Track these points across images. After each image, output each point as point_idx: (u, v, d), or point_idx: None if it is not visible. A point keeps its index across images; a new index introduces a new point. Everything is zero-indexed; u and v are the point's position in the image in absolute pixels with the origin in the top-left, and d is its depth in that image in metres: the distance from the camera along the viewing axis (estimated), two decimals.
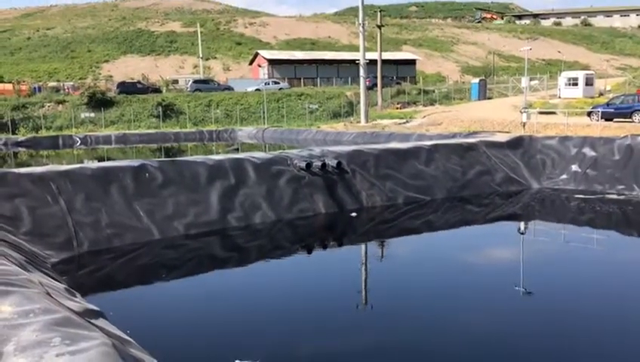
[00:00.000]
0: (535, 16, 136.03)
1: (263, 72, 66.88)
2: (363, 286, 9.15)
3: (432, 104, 49.07)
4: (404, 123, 36.46)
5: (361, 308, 8.00)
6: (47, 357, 2.86)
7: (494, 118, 30.72)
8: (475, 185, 16.19)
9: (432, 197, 15.22)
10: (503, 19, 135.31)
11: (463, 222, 14.33)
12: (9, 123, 44.43)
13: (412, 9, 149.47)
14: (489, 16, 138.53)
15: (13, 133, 43.34)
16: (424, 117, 38.08)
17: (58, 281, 6.69)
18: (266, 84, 56.46)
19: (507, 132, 23.14)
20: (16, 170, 10.95)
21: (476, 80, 52.11)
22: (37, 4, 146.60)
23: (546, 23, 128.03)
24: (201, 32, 75.20)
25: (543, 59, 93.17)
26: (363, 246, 12.22)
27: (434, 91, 54.37)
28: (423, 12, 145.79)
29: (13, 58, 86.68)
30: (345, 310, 7.86)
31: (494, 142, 17.68)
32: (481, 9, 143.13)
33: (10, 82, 57.80)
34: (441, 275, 9.56)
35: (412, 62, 72.27)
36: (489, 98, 47.96)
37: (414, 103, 50.03)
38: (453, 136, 22.11)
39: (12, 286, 3.98)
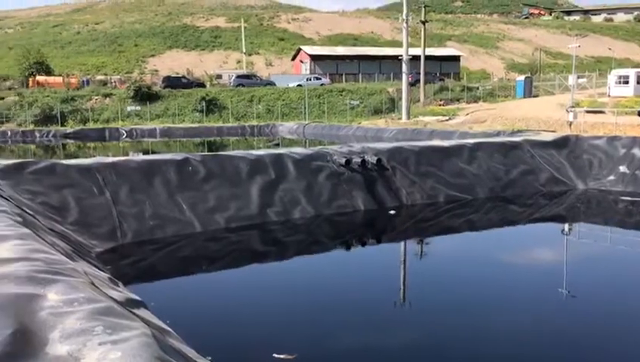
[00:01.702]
0: (585, 12, 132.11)
1: (305, 67, 67.07)
2: (401, 284, 9.09)
3: (475, 101, 48.28)
4: (446, 120, 36.03)
5: (399, 305, 7.96)
6: (89, 345, 2.94)
7: (540, 116, 30.04)
8: (519, 184, 15.86)
9: (473, 197, 15.00)
10: (551, 15, 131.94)
11: (506, 222, 14.08)
12: (58, 115, 45.83)
13: (457, 4, 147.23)
14: (537, 12, 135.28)
15: (62, 125, 44.70)
16: (467, 114, 37.52)
17: (102, 271, 6.87)
18: (307, 79, 56.58)
19: (553, 131, 22.60)
20: (64, 162, 11.28)
21: (522, 77, 50.98)
22: None
23: (597, 19, 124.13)
24: (244, 28, 75.89)
25: (592, 57, 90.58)
26: (402, 244, 12.15)
27: (478, 88, 53.48)
28: (468, 7, 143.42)
29: (63, 52, 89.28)
30: (382, 307, 7.83)
31: (539, 142, 17.29)
32: (528, 5, 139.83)
33: (60, 75, 59.56)
34: (482, 275, 9.42)
35: (456, 58, 71.27)
36: (535, 96, 46.86)
37: (457, 100, 49.34)
38: (497, 134, 21.72)
39: (58, 275, 4.10)
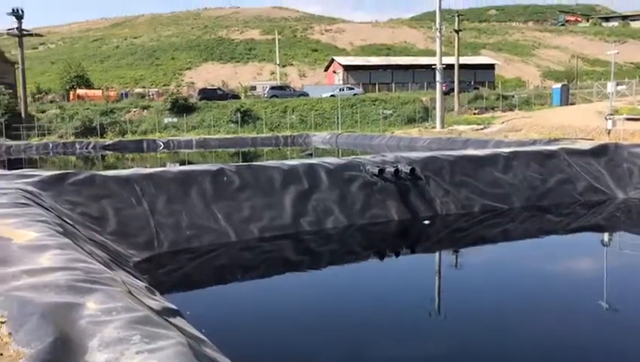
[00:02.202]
0: (624, 17, 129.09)
1: (338, 77, 67.30)
2: (436, 294, 9.00)
3: (511, 110, 47.65)
4: (481, 129, 35.62)
5: (433, 315, 7.88)
6: (127, 354, 3.01)
7: (577, 124, 29.44)
8: (556, 194, 15.56)
9: (509, 206, 14.77)
10: (588, 21, 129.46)
11: (542, 232, 13.81)
12: (98, 127, 47.00)
13: (491, 13, 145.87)
14: (573, 18, 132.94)
15: (101, 136, 45.82)
16: (502, 123, 37.03)
17: (139, 280, 7.00)
18: (340, 89, 56.77)
19: (590, 139, 22.12)
20: (103, 173, 11.56)
21: (558, 85, 50.12)
22: (125, 14, 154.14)
23: (637, 24, 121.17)
24: (278, 40, 76.64)
25: (632, 63, 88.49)
26: (436, 254, 12.03)
27: (513, 96, 52.80)
28: (503, 15, 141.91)
29: (102, 65, 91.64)
30: (417, 317, 7.77)
31: (577, 150, 16.94)
32: (564, 12, 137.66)
33: (99, 88, 61.12)
34: (518, 286, 9.26)
35: (490, 66, 70.52)
36: (572, 104, 46.00)
37: (492, 109, 48.78)
38: (533, 142, 21.38)
39: (97, 284, 4.21)
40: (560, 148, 16.93)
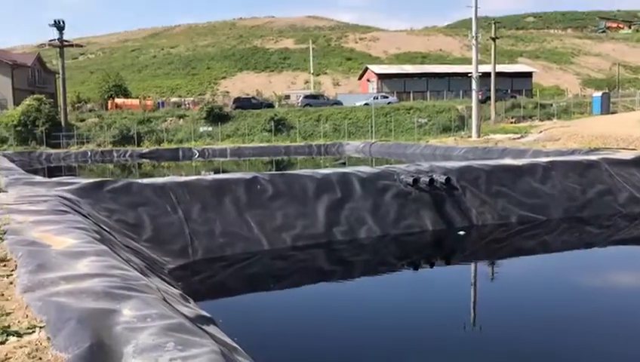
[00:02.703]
0: None
1: (372, 86, 67.20)
2: (471, 307, 8.84)
3: (549, 118, 46.79)
4: (518, 138, 35.04)
5: (468, 328, 7.73)
6: (161, 361, 3.03)
7: (618, 133, 28.68)
8: (596, 205, 15.16)
9: (547, 217, 14.44)
10: (630, 28, 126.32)
11: (582, 244, 13.46)
12: (135, 136, 47.90)
13: (529, 20, 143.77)
14: (614, 25, 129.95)
15: (138, 145, 46.67)
16: (540, 132, 36.36)
17: (174, 287, 7.06)
18: (374, 98, 56.65)
19: (633, 149, 21.52)
20: (139, 181, 11.75)
21: (598, 93, 48.98)
22: (162, 24, 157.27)
23: None
24: (312, 49, 77.01)
25: None
26: (472, 265, 11.83)
27: (551, 105, 51.85)
28: (541, 23, 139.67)
29: (140, 75, 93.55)
30: (451, 330, 7.63)
31: (618, 160, 16.50)
32: (605, 18, 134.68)
33: (137, 98, 62.36)
34: (557, 300, 9.01)
35: (528, 74, 69.44)
36: (612, 112, 44.90)
37: (530, 118, 47.99)
38: (572, 152, 20.92)
39: (133, 291, 4.25)
40: (600, 158, 16.51)
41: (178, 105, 60.94)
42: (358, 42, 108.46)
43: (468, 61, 57.19)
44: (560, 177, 15.35)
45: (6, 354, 3.12)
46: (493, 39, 46.69)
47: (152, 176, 28.69)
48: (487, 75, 44.15)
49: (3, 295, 4.27)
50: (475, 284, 10.20)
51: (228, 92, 78.57)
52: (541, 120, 46.37)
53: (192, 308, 5.34)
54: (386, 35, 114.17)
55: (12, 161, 27.71)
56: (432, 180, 13.55)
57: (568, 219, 14.57)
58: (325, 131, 50.11)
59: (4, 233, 6.26)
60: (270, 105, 57.28)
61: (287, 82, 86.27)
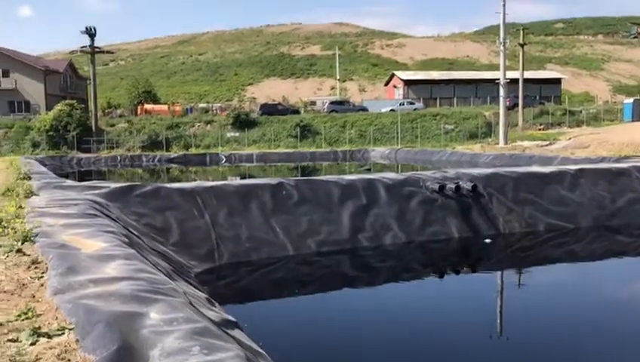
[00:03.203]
0: None
1: (399, 92, 67.02)
2: (498, 316, 8.73)
3: (578, 125, 46.08)
4: (546, 145, 34.57)
5: (494, 338, 7.65)
6: None
7: None
8: (626, 213, 14.85)
9: (576, 226, 14.21)
10: None
11: (612, 253, 13.20)
12: (163, 141, 48.54)
13: (558, 26, 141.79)
14: None
15: (167, 150, 47.28)
16: (569, 139, 35.82)
17: (200, 291, 7.13)
18: (400, 104, 56.47)
19: None
20: (168, 185, 11.90)
21: (630, 100, 48.03)
22: (191, 31, 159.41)
23: None
24: (339, 55, 77.14)
25: None
26: (498, 273, 11.70)
27: (581, 112, 51.06)
28: (570, 29, 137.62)
29: (169, 81, 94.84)
30: (477, 339, 7.55)
31: None
32: (636, 24, 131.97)
33: (165, 103, 63.20)
34: (586, 311, 8.86)
35: (557, 81, 68.51)
36: None
37: (558, 124, 47.33)
38: (602, 160, 20.56)
39: (160, 295, 4.32)
40: (631, 166, 16.19)
41: (206, 110, 61.58)
42: (385, 48, 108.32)
43: (495, 67, 56.71)
44: (589, 185, 15.09)
45: (36, 355, 3.19)
46: (522, 45, 46.22)
47: (179, 180, 29.03)
48: (515, 81, 43.69)
49: (34, 296, 4.37)
50: (501, 293, 10.08)
51: (255, 98, 79.20)
52: (570, 127, 45.70)
53: (217, 312, 5.39)
54: (413, 42, 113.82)
55: (44, 165, 28.30)
56: (458, 187, 13.44)
57: (597, 227, 14.31)
58: (351, 137, 50.09)
59: (36, 236, 6.41)
60: (296, 112, 57.52)
61: (313, 88, 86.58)
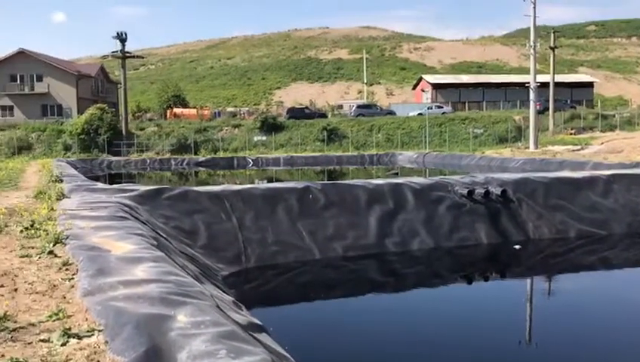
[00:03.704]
0: None
1: (427, 96, 66.56)
2: (527, 323, 8.58)
3: (611, 130, 45.14)
4: (578, 150, 33.95)
5: (523, 344, 7.51)
6: None
7: None
8: None
9: (608, 232, 13.90)
10: None
11: None
12: (192, 144, 49.03)
13: (590, 28, 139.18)
14: None
15: (195, 153, 47.73)
16: (602, 143, 35.11)
17: (227, 294, 7.17)
18: (428, 108, 56.06)
19: None
20: (196, 188, 12.01)
21: None
22: (219, 35, 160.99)
23: None
24: (366, 59, 77.00)
25: None
26: (528, 280, 11.50)
27: (614, 116, 50.02)
28: (603, 31, 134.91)
29: (197, 85, 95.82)
30: (506, 345, 7.43)
31: None
32: None
33: (194, 107, 63.86)
34: (618, 320, 8.64)
35: (589, 84, 67.24)
36: None
37: (590, 129, 46.44)
38: (636, 165, 20.09)
39: (188, 297, 4.34)
40: None
41: (234, 114, 62.02)
42: (413, 52, 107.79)
43: (525, 71, 55.95)
44: (622, 191, 14.76)
45: (67, 356, 3.24)
46: (552, 48, 45.54)
47: (207, 183, 29.28)
48: (545, 85, 43.05)
49: (65, 298, 4.44)
50: (530, 300, 9.91)
51: (282, 102, 79.54)
52: (602, 131, 44.82)
53: (244, 316, 5.40)
54: (441, 45, 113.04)
55: (75, 167, 28.85)
56: (487, 192, 13.28)
57: (631, 234, 13.97)
58: (378, 141, 49.92)
59: (67, 238, 6.52)
60: (323, 115, 57.56)
61: (340, 92, 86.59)
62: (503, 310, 9.33)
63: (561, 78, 58.07)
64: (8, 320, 3.81)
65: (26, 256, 5.84)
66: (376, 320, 8.79)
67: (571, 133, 44.58)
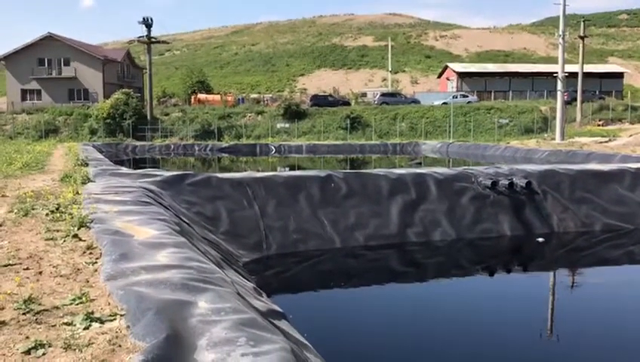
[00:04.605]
0: None
1: (452, 85, 65.82)
2: (549, 316, 8.48)
3: None
4: (605, 142, 33.32)
5: (545, 337, 7.43)
6: (233, 356, 3.09)
7: None
8: None
9: (636, 226, 13.64)
10: None
11: None
12: (215, 130, 49.27)
13: (622, 17, 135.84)
14: None
15: (219, 139, 47.96)
16: (631, 136, 34.41)
17: (248, 280, 7.21)
18: (453, 97, 55.42)
19: None
20: (219, 175, 12.07)
21: None
22: (244, 22, 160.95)
23: None
24: (391, 46, 76.32)
25: None
26: (551, 273, 11.36)
27: None
28: (635, 20, 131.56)
29: (222, 72, 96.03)
30: (526, 338, 7.36)
31: None
32: None
33: (218, 93, 64.06)
34: None
35: (619, 75, 65.81)
36: None
37: (619, 120, 45.55)
38: None
39: (209, 284, 4.37)
40: None
41: (257, 101, 62.09)
42: (439, 40, 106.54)
43: (553, 60, 54.92)
44: None
45: (89, 340, 3.28)
46: (582, 38, 44.61)
47: (230, 170, 29.44)
48: (573, 75, 42.24)
49: (88, 281, 4.50)
50: (553, 293, 9.79)
51: (305, 89, 79.33)
52: (632, 123, 43.91)
53: (264, 302, 5.43)
54: (468, 33, 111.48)
55: (100, 151, 29.22)
56: (511, 184, 13.12)
57: None
58: (401, 130, 49.59)
59: (91, 221, 6.61)
60: (346, 103, 57.30)
61: (364, 80, 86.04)
62: (525, 303, 9.23)
63: (590, 68, 56.89)
64: (33, 302, 3.87)
65: (51, 238, 5.93)
66: (395, 309, 8.77)
67: (599, 125, 43.76)
